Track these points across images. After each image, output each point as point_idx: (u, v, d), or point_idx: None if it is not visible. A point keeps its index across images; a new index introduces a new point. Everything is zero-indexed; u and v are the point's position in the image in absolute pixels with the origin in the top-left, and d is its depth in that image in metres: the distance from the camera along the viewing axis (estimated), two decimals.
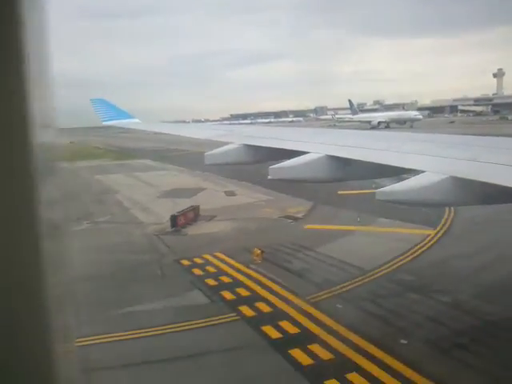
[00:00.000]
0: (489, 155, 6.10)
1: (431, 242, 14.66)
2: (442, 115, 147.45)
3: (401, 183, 6.40)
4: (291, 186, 25.88)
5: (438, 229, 16.16)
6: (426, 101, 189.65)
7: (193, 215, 18.78)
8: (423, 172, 5.74)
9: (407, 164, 6.26)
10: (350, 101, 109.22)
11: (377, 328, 9.01)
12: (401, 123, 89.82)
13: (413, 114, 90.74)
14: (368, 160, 6.71)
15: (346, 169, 7.11)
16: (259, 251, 13.48)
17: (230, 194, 25.09)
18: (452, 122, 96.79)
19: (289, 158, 7.31)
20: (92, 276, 12.23)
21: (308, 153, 7.25)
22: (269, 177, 7.13)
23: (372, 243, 15.07)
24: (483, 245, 13.98)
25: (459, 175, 5.72)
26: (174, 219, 17.48)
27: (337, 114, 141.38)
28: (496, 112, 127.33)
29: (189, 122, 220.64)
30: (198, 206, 19.63)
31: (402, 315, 9.63)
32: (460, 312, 9.63)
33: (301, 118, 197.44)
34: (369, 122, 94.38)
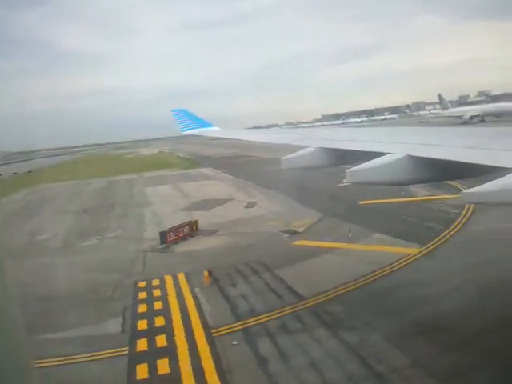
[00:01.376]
0: None
1: (401, 264, 12.89)
2: None
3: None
4: (315, 197, 25.05)
5: (423, 247, 14.21)
6: None
7: (188, 230, 18.71)
8: None
9: (494, 162, 5.66)
10: (439, 95, 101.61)
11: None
12: (498, 116, 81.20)
13: (509, 105, 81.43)
14: (451, 159, 6.22)
15: (427, 169, 6.70)
16: (207, 273, 12.98)
17: (251, 205, 24.65)
18: None
19: (367, 160, 6.99)
20: (42, 297, 12.78)
21: (387, 153, 6.87)
22: (345, 180, 7.17)
23: (339, 264, 13.69)
24: (459, 268, 11.97)
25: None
26: (162, 236, 17.58)
27: (434, 108, 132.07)
28: None
29: (281, 126, 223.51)
30: (196, 221, 19.52)
31: (285, 357, 8.50)
32: (344, 359, 8.25)
33: (395, 115, 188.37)
34: (460, 116, 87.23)
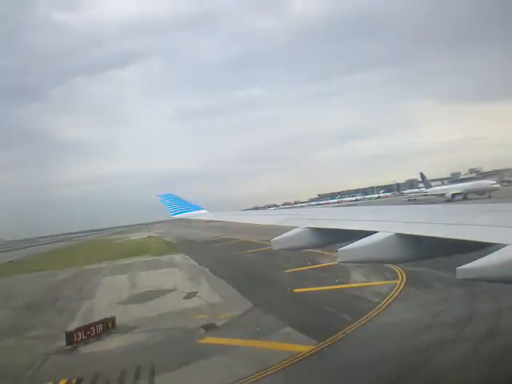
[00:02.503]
0: None
1: (286, 365, 12.08)
2: None
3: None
4: (258, 284, 24.57)
5: (318, 344, 13.33)
6: None
7: (102, 328, 17.96)
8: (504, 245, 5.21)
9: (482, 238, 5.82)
10: (421, 174, 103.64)
11: None
12: (479, 193, 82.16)
13: (489, 183, 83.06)
14: (439, 236, 6.32)
15: (417, 247, 6.71)
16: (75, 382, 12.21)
17: (190, 296, 23.93)
18: None
19: (356, 239, 7.08)
20: None
21: (376, 232, 6.98)
22: (338, 260, 6.96)
23: (223, 366, 12.77)
24: (338, 370, 11.17)
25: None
26: (69, 336, 16.81)
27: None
28: None
29: (279, 206, 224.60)
30: (113, 318, 18.79)
31: None
32: None
33: (388, 193, 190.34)
34: (442, 194, 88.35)
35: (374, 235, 6.92)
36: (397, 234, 6.74)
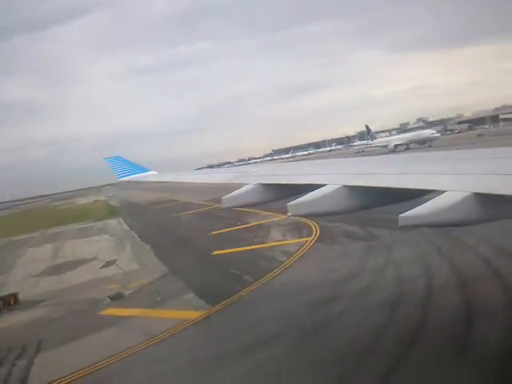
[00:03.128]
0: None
1: (173, 332, 12.08)
2: (483, 127, 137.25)
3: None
4: (179, 248, 24.45)
5: (212, 308, 13.36)
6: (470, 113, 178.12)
7: (3, 305, 17.35)
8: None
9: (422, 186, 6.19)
10: (366, 126, 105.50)
11: None
12: (420, 143, 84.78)
13: (429, 132, 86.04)
14: (383, 185, 6.58)
15: (363, 198, 6.90)
16: None
17: (108, 264, 23.44)
18: (480, 136, 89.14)
19: (306, 193, 7.13)
20: None
21: (325, 185, 7.08)
22: (288, 214, 6.99)
23: (113, 339, 12.63)
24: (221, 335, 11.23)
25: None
26: None
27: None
28: None
29: (234, 163, 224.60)
30: (16, 294, 18.19)
31: None
32: None
33: (340, 146, 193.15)
34: (386, 145, 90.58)
35: (322, 188, 7.02)
36: (344, 185, 6.90)
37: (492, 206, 5.20)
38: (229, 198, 9.11)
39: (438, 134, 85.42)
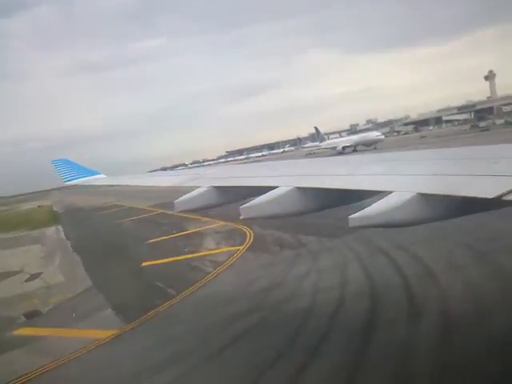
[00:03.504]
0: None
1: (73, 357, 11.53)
2: (427, 128, 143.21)
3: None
4: (110, 259, 23.69)
5: (122, 328, 12.83)
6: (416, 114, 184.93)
7: None
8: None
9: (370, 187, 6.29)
10: (315, 128, 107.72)
11: None
12: (367, 145, 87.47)
13: (375, 134, 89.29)
14: (333, 187, 6.66)
15: (315, 199, 6.90)
16: None
17: (33, 278, 22.31)
18: (423, 137, 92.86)
19: (259, 195, 7.05)
20: None
21: (277, 187, 7.03)
22: (241, 217, 6.82)
23: None
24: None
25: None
26: None
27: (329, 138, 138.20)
28: (480, 119, 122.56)
29: (188, 165, 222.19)
30: None
31: None
32: None
33: (292, 148, 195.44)
34: (334, 147, 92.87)
35: (274, 190, 7.04)
36: (296, 187, 6.95)
37: (437, 205, 5.38)
38: (181, 202, 8.88)
39: (382, 137, 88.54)
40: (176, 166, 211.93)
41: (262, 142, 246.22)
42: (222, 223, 27.52)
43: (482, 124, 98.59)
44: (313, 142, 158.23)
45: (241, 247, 20.62)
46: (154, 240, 27.08)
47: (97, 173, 18.71)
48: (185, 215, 32.47)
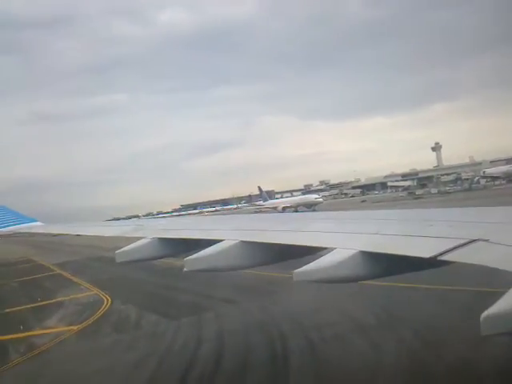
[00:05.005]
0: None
1: None
2: (372, 192, 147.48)
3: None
4: None
5: None
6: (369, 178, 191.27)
7: None
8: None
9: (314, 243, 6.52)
10: (259, 187, 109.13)
11: None
12: (307, 207, 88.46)
13: (313, 197, 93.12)
14: (278, 242, 6.79)
15: (260, 254, 6.88)
16: None
17: None
18: (363, 201, 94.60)
19: (204, 248, 6.95)
20: None
21: (222, 240, 7.02)
22: (184, 269, 6.72)
23: None
24: None
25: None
26: None
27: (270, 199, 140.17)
28: (423, 186, 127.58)
29: (140, 217, 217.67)
30: None
31: None
32: None
33: (246, 204, 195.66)
34: (275, 207, 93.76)
35: (220, 243, 7.02)
36: (241, 241, 6.95)
37: (377, 263, 5.46)
38: (122, 253, 8.75)
39: (320, 199, 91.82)
40: (129, 217, 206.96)
41: (218, 198, 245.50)
42: (92, 292, 25.02)
43: (419, 192, 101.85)
44: (252, 200, 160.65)
45: (74, 327, 18.03)
46: (12, 309, 24.00)
47: (33, 220, 17.96)
48: (76, 279, 30.49)
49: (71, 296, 25.01)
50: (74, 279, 31.21)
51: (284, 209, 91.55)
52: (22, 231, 18.30)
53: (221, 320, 16.03)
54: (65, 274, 34.45)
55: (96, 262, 40.80)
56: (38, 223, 17.89)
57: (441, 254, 4.71)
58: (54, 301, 24.86)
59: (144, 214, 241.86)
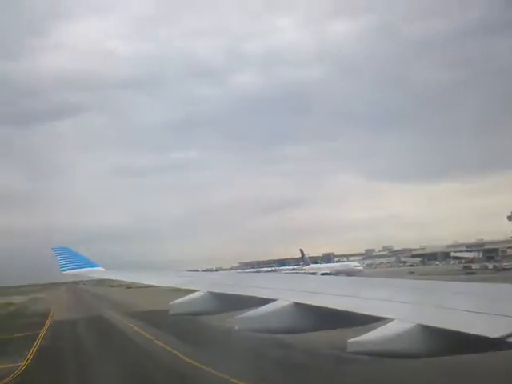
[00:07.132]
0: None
1: None
2: (434, 262, 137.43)
3: None
4: None
5: None
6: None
7: None
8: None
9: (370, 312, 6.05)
10: (301, 250, 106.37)
11: None
12: (347, 274, 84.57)
13: (353, 265, 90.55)
14: (336, 308, 6.31)
15: (314, 317, 6.57)
16: None
17: None
18: (412, 273, 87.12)
19: (256, 306, 6.86)
20: None
21: (275, 300, 6.83)
22: (236, 327, 6.65)
23: None
24: None
25: None
26: None
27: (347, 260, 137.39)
28: (489, 258, 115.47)
29: (198, 270, 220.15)
30: None
31: None
32: None
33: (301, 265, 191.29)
34: (314, 273, 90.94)
35: (273, 303, 6.79)
36: (295, 302, 6.67)
37: (437, 339, 4.96)
38: (177, 304, 8.76)
39: (361, 268, 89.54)
40: (188, 271, 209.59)
41: (276, 257, 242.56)
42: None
43: (475, 266, 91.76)
44: (326, 262, 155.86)
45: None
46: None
47: (96, 265, 18.84)
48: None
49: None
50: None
51: (323, 275, 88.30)
52: (81, 275, 18.90)
53: None
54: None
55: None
56: (100, 268, 18.61)
57: (510, 336, 4.33)
58: None
59: (203, 269, 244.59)
